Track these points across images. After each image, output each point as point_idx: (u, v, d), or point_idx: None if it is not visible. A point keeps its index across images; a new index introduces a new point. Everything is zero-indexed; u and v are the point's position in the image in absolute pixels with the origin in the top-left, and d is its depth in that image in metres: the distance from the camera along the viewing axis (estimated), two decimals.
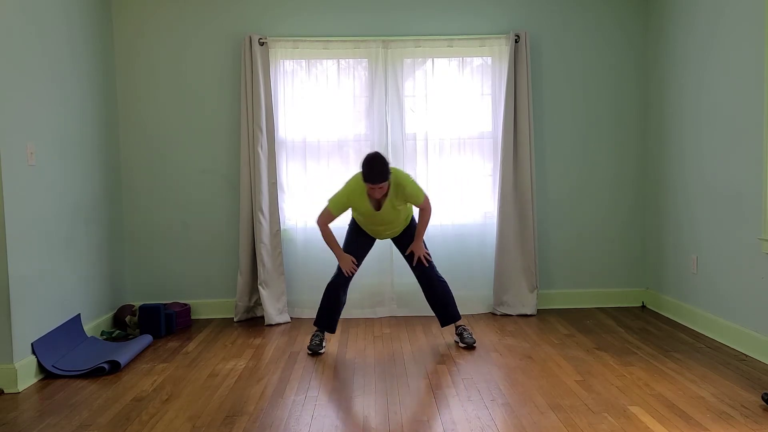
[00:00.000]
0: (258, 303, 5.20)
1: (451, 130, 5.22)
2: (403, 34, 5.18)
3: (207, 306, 5.28)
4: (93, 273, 4.68)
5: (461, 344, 4.35)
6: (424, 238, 4.41)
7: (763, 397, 3.21)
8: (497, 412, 3.20)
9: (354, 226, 4.38)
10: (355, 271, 4.29)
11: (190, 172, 5.24)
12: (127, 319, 4.82)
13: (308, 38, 5.12)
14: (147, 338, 4.52)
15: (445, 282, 4.38)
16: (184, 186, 5.25)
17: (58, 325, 4.13)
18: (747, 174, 4.02)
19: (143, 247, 5.25)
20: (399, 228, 4.32)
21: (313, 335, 4.33)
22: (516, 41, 5.08)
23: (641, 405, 3.24)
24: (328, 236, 4.21)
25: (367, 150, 5.17)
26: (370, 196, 4.09)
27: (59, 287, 4.18)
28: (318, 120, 5.18)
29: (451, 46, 5.17)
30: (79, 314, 4.40)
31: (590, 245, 5.39)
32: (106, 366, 3.91)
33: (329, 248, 4.26)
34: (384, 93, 5.14)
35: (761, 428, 2.94)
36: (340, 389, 3.60)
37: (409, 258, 4.35)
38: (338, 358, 4.17)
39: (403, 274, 5.17)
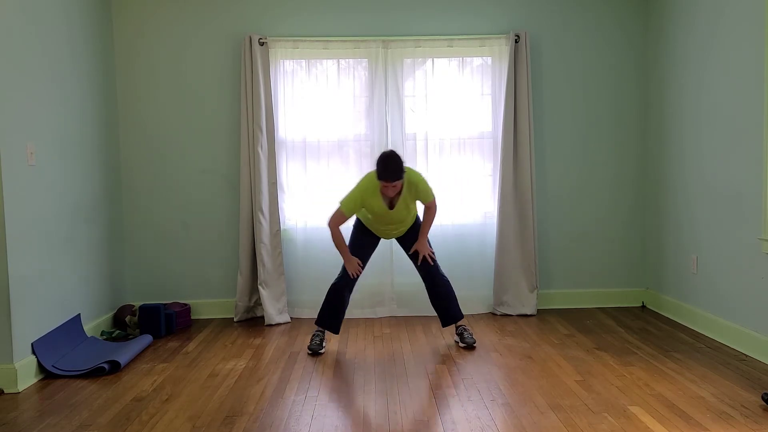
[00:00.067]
0: (258, 303, 5.20)
1: (451, 130, 5.22)
2: (403, 34, 5.18)
3: (207, 306, 5.28)
4: (93, 273, 4.68)
5: (461, 344, 4.35)
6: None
7: (763, 397, 3.21)
8: (497, 412, 3.20)
9: (359, 226, 4.37)
10: (361, 272, 4.28)
11: (190, 172, 5.24)
12: (127, 319, 4.82)
13: (308, 38, 5.12)
14: (147, 338, 4.52)
15: (449, 281, 4.39)
16: (184, 186, 5.25)
17: (58, 325, 4.13)
18: (747, 174, 4.02)
19: (143, 247, 5.25)
20: (406, 227, 4.33)
21: (313, 335, 4.33)
22: (516, 41, 5.08)
23: (641, 405, 3.24)
24: (338, 238, 4.19)
25: (367, 150, 5.19)
26: (383, 194, 4.09)
27: (59, 287, 4.18)
28: (318, 120, 5.18)
29: (451, 46, 5.17)
30: (79, 314, 4.40)
31: (590, 245, 5.39)
32: (106, 366, 3.91)
33: (337, 249, 4.24)
34: (384, 93, 5.14)
35: (761, 428, 2.94)
36: (340, 389, 3.60)
37: (413, 257, 4.35)
38: (338, 358, 4.17)
39: (403, 274, 5.18)
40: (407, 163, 5.15)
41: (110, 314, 4.94)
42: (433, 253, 4.34)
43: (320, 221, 5.20)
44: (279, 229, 5.13)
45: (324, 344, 4.32)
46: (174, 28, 5.17)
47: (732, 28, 4.15)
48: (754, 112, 3.94)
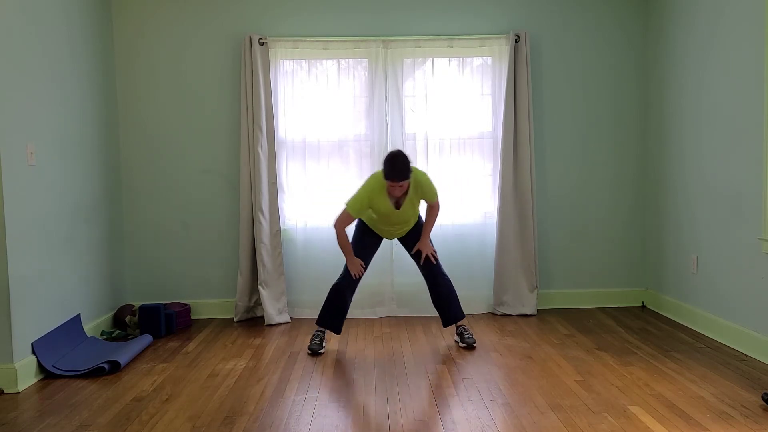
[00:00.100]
0: (258, 303, 5.20)
1: (451, 130, 5.22)
2: (403, 34, 5.18)
3: (207, 306, 5.28)
4: (93, 273, 4.68)
5: (461, 344, 4.35)
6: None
7: (763, 397, 3.21)
8: (497, 412, 3.20)
9: (362, 227, 4.36)
10: (363, 273, 4.28)
11: (190, 172, 5.24)
12: (127, 319, 4.82)
13: (308, 38, 5.12)
14: (147, 338, 4.52)
15: (450, 281, 4.39)
16: (184, 186, 5.25)
17: (58, 325, 4.13)
18: (747, 174, 4.02)
19: (143, 247, 5.25)
20: (409, 227, 4.33)
21: (313, 335, 4.32)
22: (516, 41, 5.08)
23: (641, 405, 3.24)
24: (343, 239, 4.17)
25: (367, 150, 5.19)
26: (390, 194, 4.09)
27: (59, 287, 4.18)
28: (318, 120, 5.18)
29: (451, 46, 5.17)
30: (79, 314, 4.40)
31: (590, 245, 5.39)
32: (106, 366, 3.91)
33: (341, 250, 4.23)
34: (384, 93, 5.14)
35: (761, 428, 2.94)
36: (340, 389, 3.60)
37: (416, 256, 4.35)
38: (338, 358, 4.17)
39: (403, 274, 5.18)
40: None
41: (110, 314, 4.94)
42: (435, 252, 4.35)
43: (320, 221, 5.21)
44: (279, 229, 5.13)
45: (324, 344, 4.32)
46: (174, 28, 5.17)
47: (732, 28, 4.15)
48: (754, 112, 3.94)
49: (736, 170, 4.14)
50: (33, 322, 3.85)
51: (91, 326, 4.58)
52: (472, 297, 5.20)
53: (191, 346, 4.50)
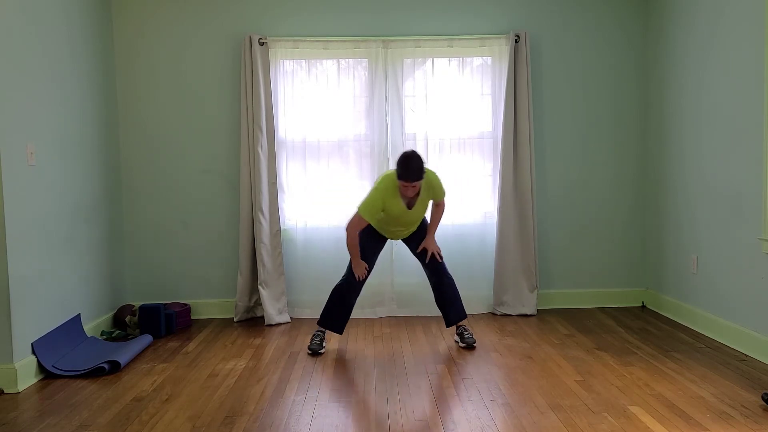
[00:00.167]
0: (258, 303, 5.20)
1: (451, 130, 5.22)
2: (403, 34, 5.18)
3: (207, 306, 5.28)
4: (93, 273, 4.68)
5: (461, 344, 4.35)
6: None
7: (763, 397, 3.21)
8: (497, 412, 3.20)
9: (367, 230, 4.31)
10: (367, 276, 4.27)
11: (190, 172, 5.24)
12: (127, 319, 4.82)
13: (308, 38, 5.12)
14: (147, 338, 4.52)
15: (454, 281, 4.38)
16: (184, 186, 5.25)
17: (58, 325, 4.13)
18: (747, 174, 4.02)
19: (143, 247, 5.25)
20: (415, 227, 4.33)
21: (313, 335, 4.32)
22: (516, 41, 5.08)
23: (641, 405, 3.24)
24: (354, 243, 4.13)
25: (367, 150, 5.19)
26: (402, 195, 4.07)
27: (59, 287, 4.18)
28: (318, 120, 5.18)
29: (451, 46, 5.17)
30: (79, 314, 4.40)
31: (590, 245, 5.39)
32: (106, 366, 3.91)
33: (349, 252, 4.18)
34: (384, 93, 5.14)
35: (761, 428, 2.94)
36: (340, 389, 3.60)
37: (421, 255, 4.35)
38: (338, 358, 4.17)
39: (403, 274, 5.18)
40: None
41: (110, 314, 4.94)
42: (440, 250, 4.35)
43: (320, 221, 5.21)
44: (279, 229, 5.13)
45: (324, 344, 4.32)
46: (174, 28, 5.17)
47: (732, 28, 4.15)
48: (754, 112, 3.94)
49: (736, 170, 4.14)
50: (33, 322, 3.85)
51: (91, 326, 4.58)
52: (472, 297, 5.20)
53: (191, 346, 4.50)
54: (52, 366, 3.89)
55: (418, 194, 4.12)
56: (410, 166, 3.91)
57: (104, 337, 4.71)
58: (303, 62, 5.19)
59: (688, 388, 3.45)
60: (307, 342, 4.52)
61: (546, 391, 3.46)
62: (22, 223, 3.75)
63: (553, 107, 5.31)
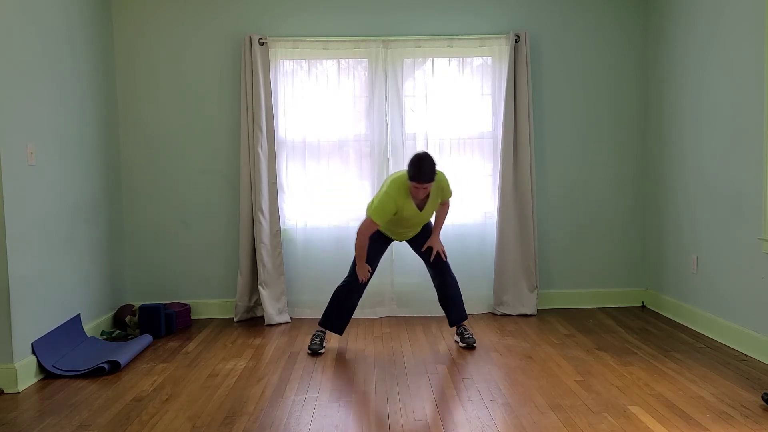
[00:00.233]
0: (258, 303, 5.20)
1: (451, 130, 5.22)
2: (403, 34, 5.19)
3: (207, 306, 5.28)
4: (93, 273, 4.68)
5: (461, 344, 4.35)
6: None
7: (763, 397, 3.21)
8: (497, 412, 3.20)
9: (373, 233, 4.31)
10: (370, 278, 4.26)
11: (190, 172, 5.24)
12: (127, 319, 4.82)
13: (308, 38, 5.12)
14: (147, 338, 4.52)
15: (457, 281, 4.39)
16: (184, 186, 5.25)
17: (58, 325, 4.13)
18: (747, 174, 4.02)
19: (143, 247, 5.25)
20: (421, 227, 4.33)
21: (313, 335, 4.32)
22: (516, 41, 5.08)
23: (641, 405, 3.24)
24: (363, 246, 4.10)
25: (367, 150, 5.19)
26: (413, 196, 4.06)
27: (59, 287, 4.18)
28: (318, 120, 5.18)
29: (451, 46, 5.17)
30: (79, 314, 4.40)
31: (590, 245, 5.39)
32: (106, 366, 3.91)
33: (355, 253, 4.14)
34: (384, 93, 5.14)
35: (761, 428, 2.94)
36: (340, 389, 3.60)
37: (425, 254, 4.34)
38: (338, 358, 4.17)
39: (403, 274, 5.19)
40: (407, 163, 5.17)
41: (110, 314, 4.94)
42: (444, 249, 4.35)
43: (320, 221, 5.22)
44: (279, 229, 5.13)
45: (324, 344, 4.32)
46: (174, 28, 5.17)
47: (732, 28, 4.15)
48: (754, 112, 3.94)
49: (736, 170, 4.14)
50: (33, 322, 3.85)
51: (91, 326, 4.58)
52: (472, 297, 5.20)
53: (191, 346, 4.50)
54: (52, 366, 3.89)
55: (428, 195, 4.12)
56: (423, 168, 3.88)
57: (104, 337, 4.71)
58: (303, 62, 5.19)
59: (688, 388, 3.45)
60: (307, 342, 4.52)
61: (546, 391, 3.46)
62: (22, 223, 3.75)
63: (553, 107, 5.31)
